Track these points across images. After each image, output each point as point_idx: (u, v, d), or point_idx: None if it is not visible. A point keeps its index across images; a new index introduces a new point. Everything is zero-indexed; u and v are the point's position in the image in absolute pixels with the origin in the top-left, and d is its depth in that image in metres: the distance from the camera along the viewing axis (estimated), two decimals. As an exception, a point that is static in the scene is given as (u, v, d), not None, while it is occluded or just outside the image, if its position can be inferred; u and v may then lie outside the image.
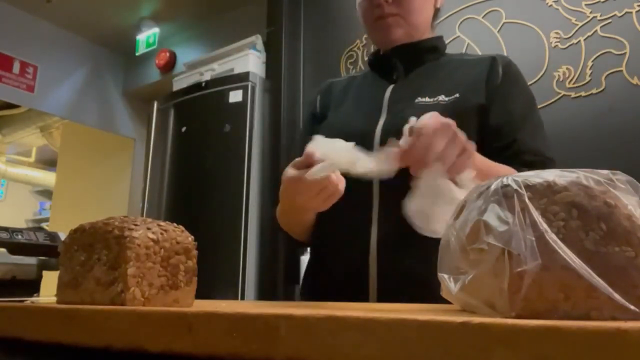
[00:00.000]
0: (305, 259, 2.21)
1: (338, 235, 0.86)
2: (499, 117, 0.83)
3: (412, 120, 0.64)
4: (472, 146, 0.64)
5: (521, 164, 0.79)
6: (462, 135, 0.62)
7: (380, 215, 0.81)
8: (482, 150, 0.77)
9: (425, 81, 0.91)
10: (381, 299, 0.77)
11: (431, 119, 0.62)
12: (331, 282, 0.87)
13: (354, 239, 0.82)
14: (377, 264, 0.78)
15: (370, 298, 0.78)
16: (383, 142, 0.82)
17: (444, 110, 0.80)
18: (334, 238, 0.87)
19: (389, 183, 0.79)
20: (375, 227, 0.80)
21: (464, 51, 2.03)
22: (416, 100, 0.86)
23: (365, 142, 0.83)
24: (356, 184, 0.83)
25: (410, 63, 0.95)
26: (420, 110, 0.82)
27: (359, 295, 0.79)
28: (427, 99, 0.86)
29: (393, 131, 0.84)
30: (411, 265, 0.76)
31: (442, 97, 0.85)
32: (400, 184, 0.75)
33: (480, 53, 1.82)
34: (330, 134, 0.92)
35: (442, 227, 0.58)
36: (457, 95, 0.84)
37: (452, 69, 0.92)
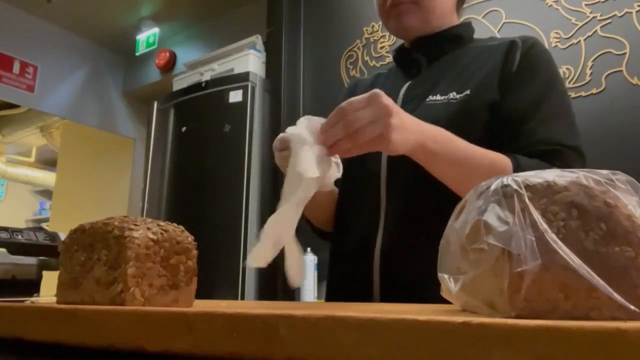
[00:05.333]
0: (305, 258, 2.21)
1: (347, 238, 0.86)
2: (508, 108, 0.77)
3: None
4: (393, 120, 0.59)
5: (531, 155, 0.72)
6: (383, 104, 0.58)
7: (386, 219, 0.79)
8: (493, 147, 0.72)
9: (442, 76, 0.85)
10: (384, 300, 0.77)
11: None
12: (338, 283, 0.87)
13: (361, 243, 0.81)
14: (380, 269, 0.78)
15: (374, 300, 0.78)
16: None
17: (454, 109, 0.78)
18: (344, 239, 0.87)
19: (395, 182, 0.80)
20: (381, 231, 0.79)
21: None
22: (427, 100, 0.82)
23: None
24: (365, 185, 0.84)
25: (431, 55, 0.89)
26: (430, 111, 0.79)
27: (364, 296, 0.78)
28: (438, 97, 0.81)
29: None
30: (414, 269, 0.75)
31: (452, 95, 0.79)
32: (406, 183, 0.76)
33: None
34: None
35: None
36: (467, 92, 0.78)
37: (470, 59, 0.85)
